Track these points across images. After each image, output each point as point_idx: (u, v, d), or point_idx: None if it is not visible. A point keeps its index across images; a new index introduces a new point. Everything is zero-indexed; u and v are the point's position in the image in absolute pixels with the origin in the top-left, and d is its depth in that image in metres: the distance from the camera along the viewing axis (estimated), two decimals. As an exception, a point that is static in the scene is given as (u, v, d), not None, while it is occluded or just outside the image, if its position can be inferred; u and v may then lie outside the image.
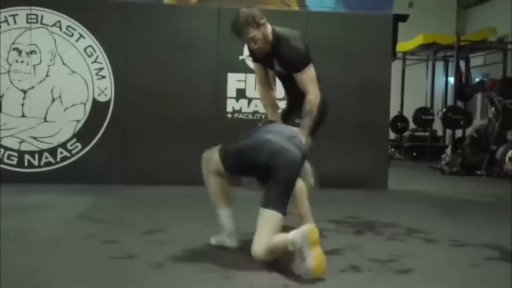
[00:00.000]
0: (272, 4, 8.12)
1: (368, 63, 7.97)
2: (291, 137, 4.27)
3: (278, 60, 4.69)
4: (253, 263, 3.83)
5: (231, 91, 7.95)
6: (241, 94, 7.96)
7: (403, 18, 10.28)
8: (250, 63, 7.71)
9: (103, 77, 7.79)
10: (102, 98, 7.80)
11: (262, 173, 4.14)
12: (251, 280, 3.60)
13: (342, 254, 4.42)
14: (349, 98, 7.95)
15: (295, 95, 4.79)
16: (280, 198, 4.04)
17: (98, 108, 7.77)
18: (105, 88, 7.80)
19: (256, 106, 7.86)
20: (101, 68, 7.78)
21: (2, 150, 7.61)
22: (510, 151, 10.06)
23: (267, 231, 3.89)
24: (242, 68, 7.91)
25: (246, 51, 7.52)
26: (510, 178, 9.47)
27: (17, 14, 7.67)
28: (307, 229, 3.65)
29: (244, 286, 3.52)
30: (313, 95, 4.59)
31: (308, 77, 4.63)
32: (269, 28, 4.65)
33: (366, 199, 6.88)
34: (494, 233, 5.33)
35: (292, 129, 4.46)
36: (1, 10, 7.57)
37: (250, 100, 7.95)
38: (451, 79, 13.78)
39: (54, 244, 4.42)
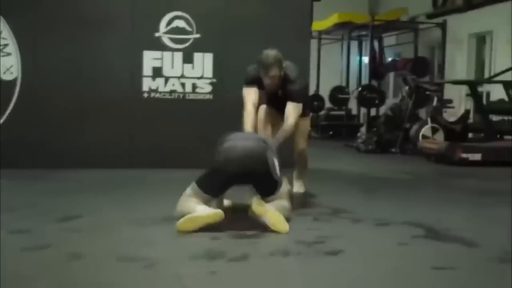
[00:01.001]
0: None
1: (287, 40, 7.78)
2: (259, 139, 4.86)
3: (284, 92, 5.34)
4: (180, 252, 3.71)
5: (147, 70, 7.70)
6: (157, 72, 7.71)
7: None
8: (169, 42, 7.56)
9: (9, 54, 7.40)
10: (8, 77, 7.41)
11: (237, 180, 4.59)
12: (176, 268, 3.40)
13: (268, 237, 4.27)
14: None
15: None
16: (206, 180, 4.51)
17: (4, 87, 7.39)
18: (11, 66, 7.41)
19: (173, 85, 7.68)
20: (7, 44, 7.39)
21: None
22: (423, 128, 10.18)
23: (185, 196, 4.46)
24: (159, 46, 7.69)
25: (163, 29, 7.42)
26: (423, 155, 9.63)
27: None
28: (253, 203, 4.37)
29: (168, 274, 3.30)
30: (292, 124, 5.29)
31: (297, 110, 5.32)
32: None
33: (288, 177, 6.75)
34: (415, 210, 5.38)
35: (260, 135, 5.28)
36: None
37: (167, 79, 7.73)
38: (365, 59, 13.91)
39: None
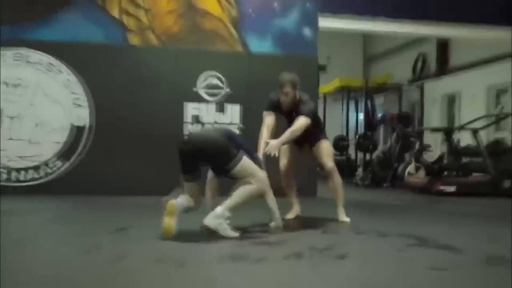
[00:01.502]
0: (219, 47, 7.60)
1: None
2: (221, 131, 4.55)
3: (297, 112, 4.94)
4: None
5: (187, 117, 7.47)
6: (196, 119, 7.49)
7: (323, 67, 10.46)
8: (205, 95, 7.36)
9: (80, 105, 7.21)
10: (80, 123, 7.21)
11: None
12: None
13: (285, 244, 4.06)
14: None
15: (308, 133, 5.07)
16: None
17: (75, 132, 7.21)
18: (82, 115, 7.21)
19: (208, 129, 7.36)
20: (78, 98, 7.20)
21: (-7, 167, 6.96)
22: (409, 167, 9.98)
23: None
24: (197, 98, 7.47)
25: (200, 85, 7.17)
26: (409, 188, 9.40)
27: (5, 54, 7.06)
28: (168, 203, 4.10)
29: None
30: (299, 124, 4.83)
31: (304, 120, 4.84)
32: (297, 93, 5.03)
33: (301, 203, 6.43)
34: (408, 226, 5.15)
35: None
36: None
37: (203, 124, 7.47)
38: (361, 115, 13.75)
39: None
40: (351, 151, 13.34)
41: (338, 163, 12.27)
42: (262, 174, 4.42)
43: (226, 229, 4.14)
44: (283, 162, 5.36)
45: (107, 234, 4.26)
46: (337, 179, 5.28)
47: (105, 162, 7.11)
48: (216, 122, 7.44)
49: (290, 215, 5.39)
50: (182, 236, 4.01)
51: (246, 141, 4.61)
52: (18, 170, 7.03)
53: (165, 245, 3.87)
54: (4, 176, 7.00)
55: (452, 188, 8.67)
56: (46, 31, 7.20)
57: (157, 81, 7.33)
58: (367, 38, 15.46)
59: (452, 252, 3.86)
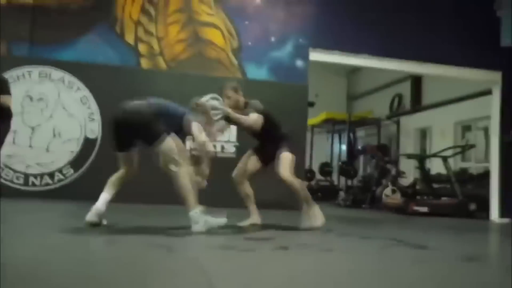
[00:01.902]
0: (221, 73, 7.41)
1: (291, 120, 7.30)
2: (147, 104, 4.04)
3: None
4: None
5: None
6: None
7: (311, 104, 10.33)
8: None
9: (93, 119, 6.94)
10: (92, 135, 6.92)
11: None
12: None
13: (275, 238, 3.86)
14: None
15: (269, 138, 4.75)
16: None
17: (88, 144, 6.91)
18: (94, 129, 6.95)
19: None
20: (92, 113, 6.93)
21: (13, 172, 6.62)
22: (385, 190, 9.74)
23: None
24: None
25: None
26: (386, 209, 9.10)
27: (31, 71, 6.83)
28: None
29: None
30: (248, 120, 4.52)
31: (252, 117, 4.51)
32: (241, 98, 4.73)
33: (291, 216, 6.14)
34: (387, 232, 5.08)
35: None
36: (19, 68, 6.80)
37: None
38: (343, 146, 13.59)
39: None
40: (334, 176, 13.06)
41: (322, 187, 12.34)
42: (184, 156, 3.94)
43: (213, 221, 3.86)
44: (238, 166, 4.82)
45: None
46: (297, 192, 4.62)
47: (112, 171, 6.79)
48: (215, 140, 7.18)
49: (245, 223, 4.59)
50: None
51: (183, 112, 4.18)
52: (35, 175, 6.74)
53: (156, 237, 3.60)
54: (21, 180, 6.71)
55: (425, 209, 8.41)
56: (69, 52, 7.01)
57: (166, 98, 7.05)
58: (350, 79, 15.39)
59: (429, 250, 3.69)
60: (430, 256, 3.39)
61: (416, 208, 8.46)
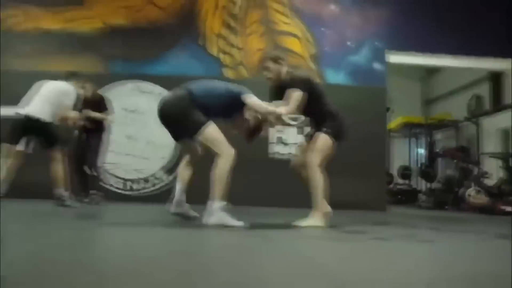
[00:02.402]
0: (302, 79, 7.37)
1: (370, 123, 7.22)
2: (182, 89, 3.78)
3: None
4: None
5: (272, 139, 7.27)
6: (279, 140, 7.29)
7: (388, 109, 10.06)
8: (288, 120, 7.14)
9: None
10: (182, 143, 7.11)
11: None
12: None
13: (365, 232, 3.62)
14: (361, 149, 7.10)
15: (312, 114, 4.19)
16: None
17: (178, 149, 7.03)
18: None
19: (290, 149, 7.09)
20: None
21: (113, 178, 6.95)
22: (469, 190, 9.13)
23: None
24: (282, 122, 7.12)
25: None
26: (470, 209, 8.63)
27: (126, 86, 7.20)
28: None
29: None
30: (294, 101, 3.82)
31: (295, 94, 3.82)
32: (284, 68, 3.98)
33: (372, 214, 6.00)
34: (481, 227, 4.74)
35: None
36: (115, 83, 7.18)
37: (285, 145, 7.25)
38: (421, 149, 13.17)
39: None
40: (413, 180, 12.64)
41: (402, 189, 11.97)
42: (225, 147, 3.64)
43: (229, 220, 3.51)
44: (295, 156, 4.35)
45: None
46: (314, 176, 3.82)
47: (200, 175, 6.91)
48: (296, 143, 7.16)
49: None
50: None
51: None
52: (132, 180, 7.02)
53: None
54: (121, 185, 7.01)
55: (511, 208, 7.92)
56: (158, 66, 7.29)
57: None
58: (424, 83, 14.88)
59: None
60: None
61: (503, 207, 8.04)
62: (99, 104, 6.12)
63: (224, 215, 3.52)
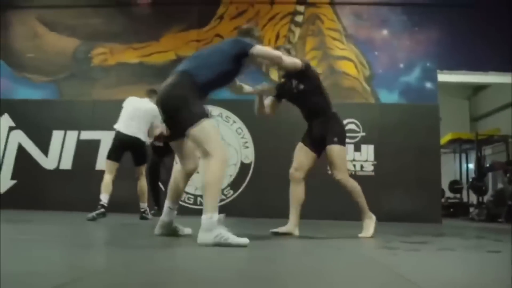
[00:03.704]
0: (356, 99, 7.32)
1: (424, 137, 7.02)
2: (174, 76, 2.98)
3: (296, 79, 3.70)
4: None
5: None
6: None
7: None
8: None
9: (247, 147, 7.15)
10: (246, 161, 7.12)
11: None
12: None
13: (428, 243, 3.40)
14: (415, 163, 6.99)
15: (309, 114, 3.84)
16: None
17: (243, 167, 7.11)
18: (248, 155, 7.19)
19: (362, 167, 6.94)
20: (246, 142, 7.15)
21: (185, 194, 7.04)
22: None
23: None
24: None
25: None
26: None
27: (195, 110, 7.27)
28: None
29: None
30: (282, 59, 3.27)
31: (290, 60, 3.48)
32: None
33: (428, 226, 5.76)
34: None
35: None
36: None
37: (343, 161, 7.03)
38: (470, 164, 12.59)
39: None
40: (463, 194, 12.12)
41: (453, 203, 11.49)
42: (220, 146, 2.83)
43: (228, 238, 2.65)
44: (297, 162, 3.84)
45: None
46: (353, 192, 3.63)
47: (264, 191, 6.92)
48: (354, 159, 7.02)
49: (282, 229, 3.75)
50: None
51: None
52: (202, 196, 7.06)
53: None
54: (192, 201, 7.10)
55: None
56: (225, 92, 7.32)
57: (303, 127, 7.09)
58: (472, 100, 14.36)
59: None
60: None
61: (558, 220, 7.63)
62: None
63: (225, 231, 2.69)
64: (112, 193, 5.01)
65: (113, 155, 5.19)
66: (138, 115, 5.33)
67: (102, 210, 4.86)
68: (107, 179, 5.04)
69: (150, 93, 5.59)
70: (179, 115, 2.81)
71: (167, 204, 3.27)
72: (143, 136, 5.37)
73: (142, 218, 5.41)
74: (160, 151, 6.08)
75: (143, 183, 5.41)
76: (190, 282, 1.62)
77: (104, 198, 4.93)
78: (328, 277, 1.86)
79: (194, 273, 1.83)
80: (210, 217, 2.71)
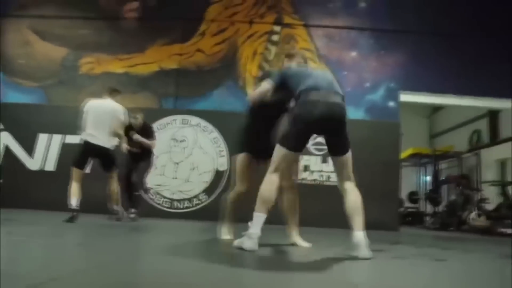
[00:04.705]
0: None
1: (386, 151, 7.12)
2: None
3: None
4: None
5: (300, 166, 7.04)
6: (306, 168, 7.16)
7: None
8: (314, 150, 7.05)
9: (223, 156, 7.13)
10: (221, 168, 7.10)
11: None
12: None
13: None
14: (377, 175, 7.05)
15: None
16: None
17: (218, 174, 7.08)
18: (223, 163, 7.13)
19: (315, 176, 7.03)
20: (222, 150, 7.13)
21: (162, 198, 6.94)
22: (471, 214, 8.88)
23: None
24: (308, 152, 7.13)
25: (310, 143, 6.93)
26: (472, 231, 8.38)
27: (175, 119, 7.24)
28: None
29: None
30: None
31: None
32: None
33: (387, 234, 5.86)
34: (486, 247, 4.49)
35: None
36: (167, 117, 7.24)
37: (312, 172, 7.14)
38: (427, 177, 12.85)
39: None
40: (420, 204, 12.35)
41: (411, 212, 11.68)
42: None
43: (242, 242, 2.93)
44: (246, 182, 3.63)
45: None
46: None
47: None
48: (321, 170, 7.09)
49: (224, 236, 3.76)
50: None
51: None
52: (178, 200, 7.05)
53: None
54: (168, 204, 7.04)
55: (510, 230, 7.66)
56: (203, 103, 7.42)
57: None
58: (431, 119, 14.68)
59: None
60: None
61: (502, 229, 7.77)
62: (147, 131, 6.08)
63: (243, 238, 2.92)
64: (86, 194, 4.98)
65: (80, 163, 5.05)
66: (102, 120, 5.11)
67: (75, 213, 4.81)
68: (75, 186, 4.93)
69: (113, 93, 5.39)
70: (345, 135, 3.01)
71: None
72: (110, 141, 5.18)
73: (117, 219, 5.32)
74: (136, 156, 5.98)
75: (113, 187, 5.27)
76: (158, 284, 1.63)
77: (74, 202, 4.85)
78: (272, 284, 1.88)
79: (163, 275, 1.83)
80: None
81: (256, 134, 3.48)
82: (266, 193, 2.95)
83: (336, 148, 3.04)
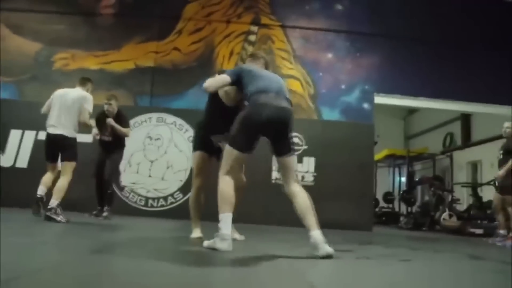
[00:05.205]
0: (301, 115, 7.37)
1: (360, 152, 7.14)
2: None
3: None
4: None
5: (275, 166, 6.99)
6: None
7: (374, 143, 9.90)
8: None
9: (199, 154, 7.05)
10: (198, 167, 7.02)
11: None
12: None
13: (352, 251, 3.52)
14: (352, 176, 7.09)
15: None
16: None
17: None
18: (200, 162, 7.04)
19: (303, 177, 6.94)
20: (198, 149, 7.05)
21: (137, 196, 6.82)
22: (443, 215, 8.97)
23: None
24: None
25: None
26: (444, 231, 8.50)
27: (151, 117, 7.12)
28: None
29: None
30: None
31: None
32: None
33: (360, 234, 5.86)
34: (453, 247, 4.47)
35: None
36: (142, 115, 7.10)
37: (286, 171, 7.02)
38: (402, 178, 12.97)
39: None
40: (395, 204, 12.46)
41: (385, 212, 11.77)
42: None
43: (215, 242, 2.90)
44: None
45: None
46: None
47: (210, 195, 6.82)
48: (296, 170, 7.05)
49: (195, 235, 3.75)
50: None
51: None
52: (153, 198, 6.93)
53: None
54: (143, 202, 6.92)
55: (480, 231, 7.83)
56: (179, 102, 7.30)
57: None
58: (407, 120, 14.85)
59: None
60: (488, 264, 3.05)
61: (472, 230, 7.92)
62: (121, 119, 5.76)
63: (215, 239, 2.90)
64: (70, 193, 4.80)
65: (47, 156, 4.93)
66: (65, 108, 4.82)
67: (39, 202, 4.79)
68: (45, 176, 4.93)
69: (84, 81, 5.13)
70: (289, 137, 3.05)
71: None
72: (72, 128, 4.84)
73: (50, 218, 4.49)
74: (108, 146, 5.71)
75: (62, 183, 4.69)
76: (123, 285, 1.55)
77: (41, 190, 4.83)
78: (231, 283, 1.83)
79: (125, 276, 1.76)
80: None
81: (211, 132, 3.55)
82: (225, 193, 2.96)
83: (281, 149, 3.09)
